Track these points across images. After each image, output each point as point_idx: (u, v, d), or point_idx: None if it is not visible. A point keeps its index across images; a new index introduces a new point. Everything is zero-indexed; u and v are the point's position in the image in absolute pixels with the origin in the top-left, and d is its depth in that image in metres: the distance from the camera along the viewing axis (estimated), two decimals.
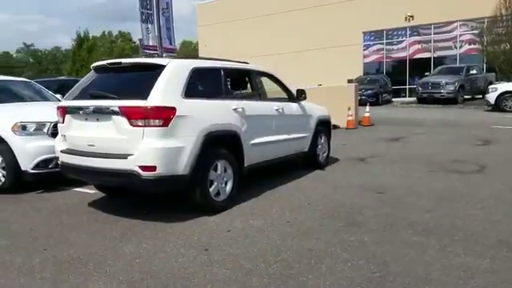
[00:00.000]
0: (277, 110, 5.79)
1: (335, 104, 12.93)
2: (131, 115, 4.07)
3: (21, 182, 5.72)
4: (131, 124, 4.07)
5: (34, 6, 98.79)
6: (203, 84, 4.78)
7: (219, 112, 4.73)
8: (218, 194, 4.70)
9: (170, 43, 19.39)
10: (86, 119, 4.45)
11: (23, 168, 5.63)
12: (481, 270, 3.10)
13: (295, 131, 6.28)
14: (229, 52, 32.86)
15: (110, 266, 3.33)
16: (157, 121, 4.04)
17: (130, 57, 20.61)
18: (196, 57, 6.80)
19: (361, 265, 3.25)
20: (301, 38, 29.72)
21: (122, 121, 4.12)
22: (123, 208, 4.97)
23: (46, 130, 5.74)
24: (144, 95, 4.10)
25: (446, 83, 20.36)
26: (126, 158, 4.09)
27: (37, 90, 7.84)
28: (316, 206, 4.86)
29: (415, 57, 27.19)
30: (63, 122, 4.73)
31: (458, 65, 23.99)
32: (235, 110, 4.92)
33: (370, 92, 21.65)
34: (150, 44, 18.29)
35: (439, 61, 25.97)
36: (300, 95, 6.40)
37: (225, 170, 4.79)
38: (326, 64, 27.63)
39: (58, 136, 4.89)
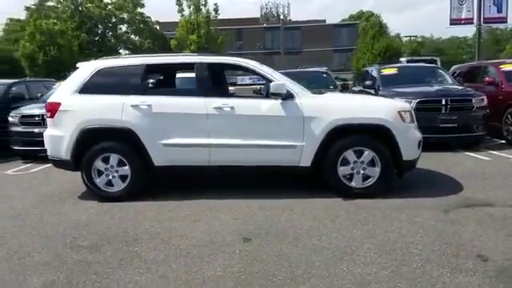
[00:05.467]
0: (217, 108, 5.04)
1: None
2: None
3: None
4: None
5: None
6: (106, 81, 5.26)
7: (108, 108, 5.14)
8: (110, 184, 5.28)
9: (499, 10, 14.81)
10: None
11: None
12: None
13: (264, 137, 5.05)
14: None
15: None
16: (48, 113, 5.37)
17: None
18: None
19: None
20: None
21: None
22: None
23: None
24: None
25: None
26: None
27: None
28: (144, 224, 4.39)
29: None
30: None
31: None
32: (135, 106, 5.10)
33: None
34: (463, 17, 14.79)
35: None
36: (276, 92, 4.98)
37: (122, 164, 5.22)
38: None
39: None
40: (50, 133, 5.39)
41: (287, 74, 11.07)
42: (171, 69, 5.81)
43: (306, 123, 5.02)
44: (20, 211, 5.00)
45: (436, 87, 8.81)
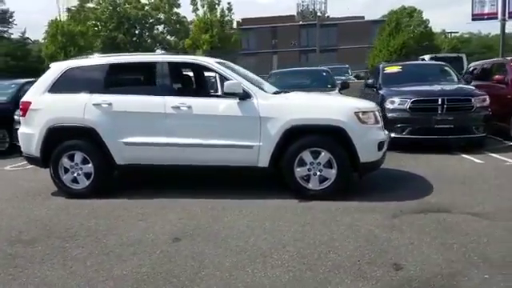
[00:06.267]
0: (175, 107, 5.09)
1: None
2: None
3: None
4: None
5: None
6: (73, 81, 5.46)
7: (72, 106, 5.33)
8: (76, 181, 5.46)
9: None
10: None
11: None
12: None
13: (222, 137, 5.07)
14: None
15: None
16: (21, 112, 5.63)
17: None
18: None
19: None
20: None
21: None
22: None
23: None
24: None
25: None
26: None
27: None
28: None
29: None
30: None
31: None
32: (97, 105, 5.25)
33: None
34: (486, 11, 13.89)
35: None
36: (230, 92, 4.97)
37: (86, 162, 5.39)
38: None
39: None
40: (22, 130, 5.67)
41: (286, 73, 11.17)
42: (133, 68, 5.91)
43: (263, 123, 4.98)
44: None
45: (435, 86, 8.41)
